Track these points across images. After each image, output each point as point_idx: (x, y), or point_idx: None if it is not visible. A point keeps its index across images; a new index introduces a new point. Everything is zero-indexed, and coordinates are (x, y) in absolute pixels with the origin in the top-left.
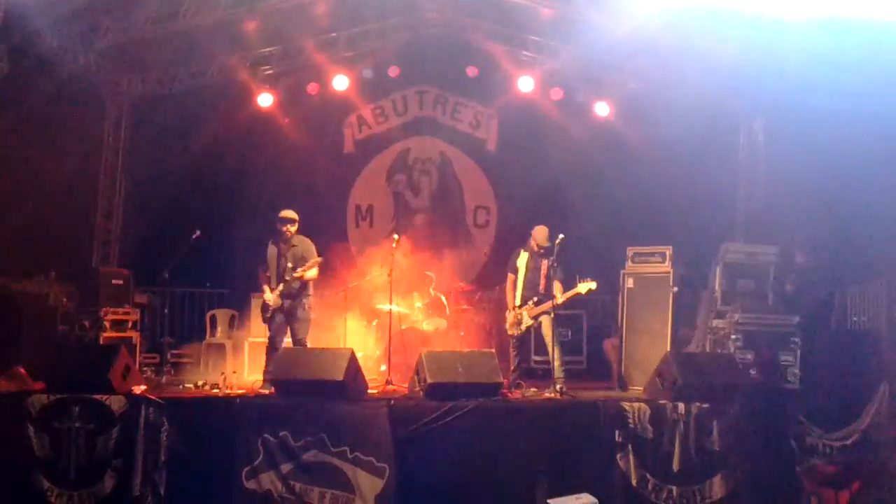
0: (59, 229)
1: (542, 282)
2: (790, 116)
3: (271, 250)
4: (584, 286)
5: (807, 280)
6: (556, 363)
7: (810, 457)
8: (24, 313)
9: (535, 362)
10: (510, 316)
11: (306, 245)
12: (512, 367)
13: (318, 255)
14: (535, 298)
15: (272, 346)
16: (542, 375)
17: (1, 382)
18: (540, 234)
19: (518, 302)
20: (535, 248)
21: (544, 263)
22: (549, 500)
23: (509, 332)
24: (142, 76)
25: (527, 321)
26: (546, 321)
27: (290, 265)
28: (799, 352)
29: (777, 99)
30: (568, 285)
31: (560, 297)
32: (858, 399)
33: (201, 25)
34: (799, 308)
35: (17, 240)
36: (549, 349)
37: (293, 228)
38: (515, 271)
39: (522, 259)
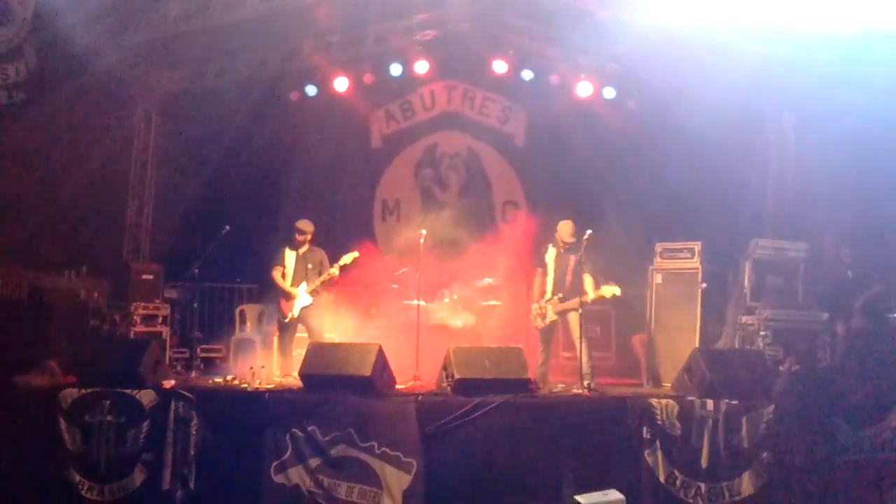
0: (90, 224)
1: (569, 277)
2: (820, 111)
3: (288, 254)
4: (609, 290)
5: (837, 276)
6: (584, 359)
7: (841, 454)
8: (56, 308)
9: (564, 358)
10: (535, 308)
11: (322, 252)
12: (540, 362)
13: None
14: (560, 294)
15: (289, 344)
16: (571, 371)
17: (33, 377)
18: (564, 229)
19: (547, 296)
20: (561, 244)
21: (572, 259)
22: (576, 497)
23: (533, 325)
24: (171, 72)
25: (550, 315)
26: (574, 317)
27: (310, 266)
28: (829, 349)
29: (806, 93)
30: (598, 281)
31: (589, 296)
32: (889, 396)
33: (230, 22)
34: (829, 304)
35: (48, 235)
36: (577, 345)
37: (310, 237)
38: (544, 266)
39: (551, 254)
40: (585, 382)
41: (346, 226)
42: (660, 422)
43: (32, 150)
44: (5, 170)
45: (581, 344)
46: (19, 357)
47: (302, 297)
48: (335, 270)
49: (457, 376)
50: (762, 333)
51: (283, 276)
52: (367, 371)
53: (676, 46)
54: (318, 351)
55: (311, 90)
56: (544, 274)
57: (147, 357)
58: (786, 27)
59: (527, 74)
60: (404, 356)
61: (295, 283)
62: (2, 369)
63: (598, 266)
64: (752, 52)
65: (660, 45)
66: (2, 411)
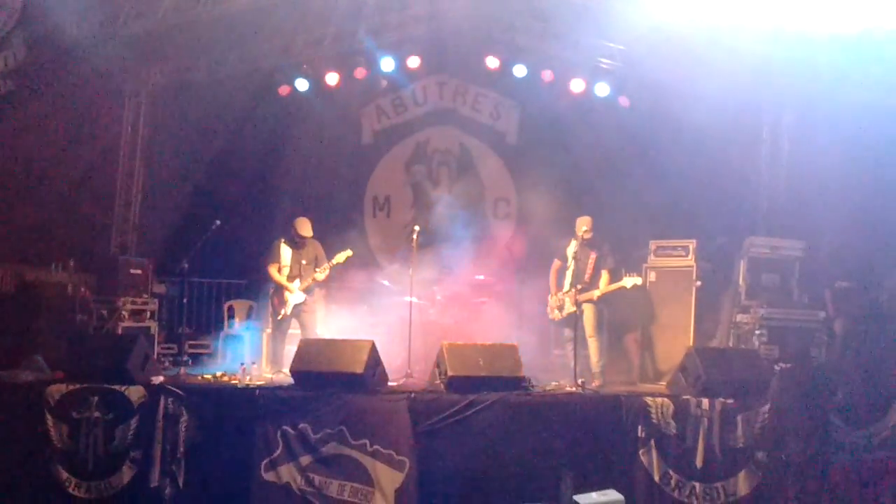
0: (79, 218)
1: (589, 271)
2: (821, 110)
3: (284, 249)
4: (630, 280)
5: (834, 274)
6: (594, 357)
7: (837, 453)
8: (43, 302)
9: (555, 356)
10: (553, 300)
11: (318, 246)
12: (573, 364)
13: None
14: (579, 286)
15: (281, 341)
16: (560, 369)
17: (20, 372)
18: (581, 224)
19: (566, 288)
20: (580, 238)
21: (592, 254)
22: (575, 497)
23: (550, 317)
24: (162, 66)
25: (568, 307)
26: (589, 310)
27: (304, 262)
28: (825, 347)
29: (807, 92)
30: (617, 275)
31: (602, 288)
32: (887, 395)
33: (222, 14)
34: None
35: (36, 228)
36: (589, 339)
37: (309, 236)
38: (564, 259)
39: (572, 247)
40: (580, 380)
41: (336, 221)
42: (655, 421)
43: (21, 142)
44: None
45: (594, 339)
46: (6, 351)
47: (296, 294)
48: (326, 271)
49: (450, 373)
50: (758, 332)
51: (280, 271)
52: (359, 368)
53: (674, 43)
54: (310, 348)
55: (302, 85)
56: (563, 266)
57: (135, 352)
58: (787, 26)
59: (520, 70)
60: (396, 353)
61: (289, 279)
62: None
63: (617, 262)
64: (752, 50)
65: (657, 41)
66: None
